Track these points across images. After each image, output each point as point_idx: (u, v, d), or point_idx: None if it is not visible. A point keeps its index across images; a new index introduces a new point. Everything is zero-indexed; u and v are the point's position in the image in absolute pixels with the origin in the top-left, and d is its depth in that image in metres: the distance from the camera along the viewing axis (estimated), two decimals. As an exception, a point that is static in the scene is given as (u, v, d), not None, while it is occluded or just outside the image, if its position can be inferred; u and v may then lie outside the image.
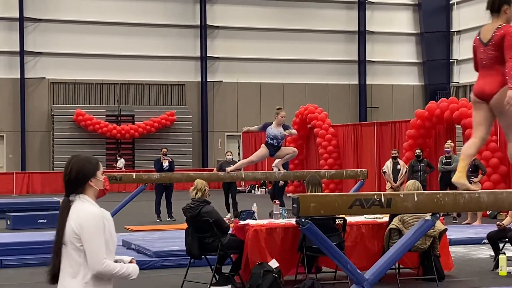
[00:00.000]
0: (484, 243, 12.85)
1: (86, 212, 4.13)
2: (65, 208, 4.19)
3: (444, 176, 18.19)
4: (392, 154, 19.05)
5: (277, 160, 13.17)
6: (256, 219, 10.73)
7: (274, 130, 12.26)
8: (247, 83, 35.99)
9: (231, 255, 9.92)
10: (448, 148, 18.38)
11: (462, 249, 13.11)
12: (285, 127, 12.32)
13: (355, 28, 37.60)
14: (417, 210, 5.88)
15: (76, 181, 4.21)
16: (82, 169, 4.22)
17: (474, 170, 17.12)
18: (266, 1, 36.22)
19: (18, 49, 32.79)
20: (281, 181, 17.74)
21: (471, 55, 6.46)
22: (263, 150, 12.44)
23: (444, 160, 18.27)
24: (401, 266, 10.25)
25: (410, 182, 9.90)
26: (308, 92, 36.33)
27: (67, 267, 4.15)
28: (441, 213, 6.21)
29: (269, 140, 12.29)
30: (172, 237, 13.12)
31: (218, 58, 35.70)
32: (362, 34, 37.54)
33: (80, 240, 4.09)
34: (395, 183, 18.61)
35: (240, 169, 13.19)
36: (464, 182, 6.06)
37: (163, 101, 35.18)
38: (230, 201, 18.77)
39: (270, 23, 36.16)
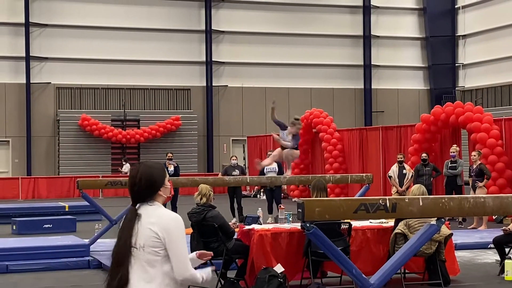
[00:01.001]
0: (490, 248, 12.83)
1: (170, 216, 4.01)
2: (133, 217, 4.03)
3: (450, 181, 18.16)
4: (398, 158, 19.01)
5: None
6: (261, 224, 10.72)
7: (286, 138, 12.40)
8: (252, 87, 36.01)
9: (237, 260, 9.92)
10: (453, 152, 18.36)
11: (468, 254, 13.08)
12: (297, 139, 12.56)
13: (361, 32, 37.60)
14: (422, 214, 5.87)
15: (146, 190, 4.07)
16: (151, 178, 4.08)
17: (479, 174, 17.08)
18: (271, 5, 36.26)
19: (24, 54, 32.87)
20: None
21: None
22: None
23: (449, 165, 18.24)
24: (406, 271, 10.24)
25: (415, 186, 9.88)
26: (313, 96, 36.33)
27: (141, 273, 3.99)
28: (447, 218, 6.19)
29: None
30: (178, 242, 13.09)
31: (223, 62, 35.73)
32: (367, 39, 37.54)
33: (161, 244, 3.96)
34: (401, 187, 18.57)
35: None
36: None
37: (168, 105, 35.22)
38: (235, 205, 18.74)
39: (275, 28, 36.18)
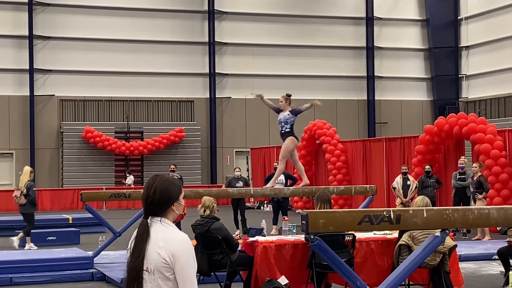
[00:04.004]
0: (494, 259, 12.79)
1: (177, 240, 3.88)
2: (144, 231, 3.91)
3: (459, 192, 18.09)
4: (402, 169, 19.00)
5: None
6: (265, 236, 10.71)
7: (281, 114, 12.85)
8: (255, 99, 35.98)
9: (240, 272, 9.90)
10: (462, 164, 18.32)
11: (472, 265, 13.05)
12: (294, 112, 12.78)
13: (364, 44, 37.64)
14: (426, 226, 5.86)
15: (159, 204, 3.94)
16: (166, 192, 3.95)
17: (478, 186, 17.05)
18: (274, 17, 36.33)
19: (27, 67, 32.95)
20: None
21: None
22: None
23: (458, 176, 18.18)
24: (411, 283, 10.21)
25: (419, 198, 9.85)
26: (316, 108, 36.24)
27: None
28: (451, 229, 6.18)
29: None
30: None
31: (226, 74, 35.78)
32: (370, 50, 37.59)
33: (170, 269, 3.85)
34: (405, 198, 18.54)
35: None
36: None
37: (171, 117, 35.26)
38: (239, 217, 18.74)
39: (278, 39, 36.25)
